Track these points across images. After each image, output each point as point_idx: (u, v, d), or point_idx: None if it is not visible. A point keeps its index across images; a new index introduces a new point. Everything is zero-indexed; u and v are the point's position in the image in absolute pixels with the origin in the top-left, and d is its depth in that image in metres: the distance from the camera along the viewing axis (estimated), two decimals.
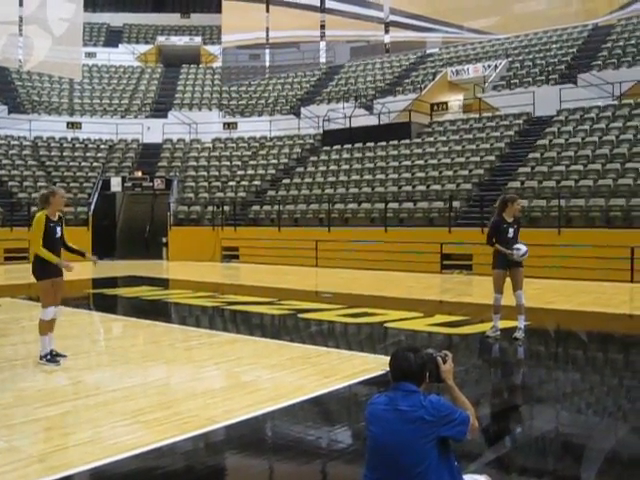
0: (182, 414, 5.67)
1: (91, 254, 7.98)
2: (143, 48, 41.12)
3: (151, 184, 27.76)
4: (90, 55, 38.42)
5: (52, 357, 7.63)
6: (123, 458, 4.69)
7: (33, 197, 25.74)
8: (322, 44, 36.22)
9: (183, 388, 6.66)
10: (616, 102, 23.78)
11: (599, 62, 26.77)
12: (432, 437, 3.31)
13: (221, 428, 5.40)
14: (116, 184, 27.74)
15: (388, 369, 3.61)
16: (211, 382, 7.02)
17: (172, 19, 44.26)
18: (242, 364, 7.77)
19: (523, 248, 9.13)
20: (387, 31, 33.58)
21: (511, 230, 9.37)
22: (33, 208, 24.47)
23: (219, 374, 7.34)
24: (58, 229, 7.64)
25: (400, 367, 3.52)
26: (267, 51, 37.64)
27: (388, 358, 6.49)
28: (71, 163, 29.72)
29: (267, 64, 38.05)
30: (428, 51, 35.54)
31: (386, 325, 10.61)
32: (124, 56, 40.02)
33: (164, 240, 26.87)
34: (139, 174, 28.33)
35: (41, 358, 7.60)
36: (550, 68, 28.23)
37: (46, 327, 7.61)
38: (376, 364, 7.62)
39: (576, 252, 16.82)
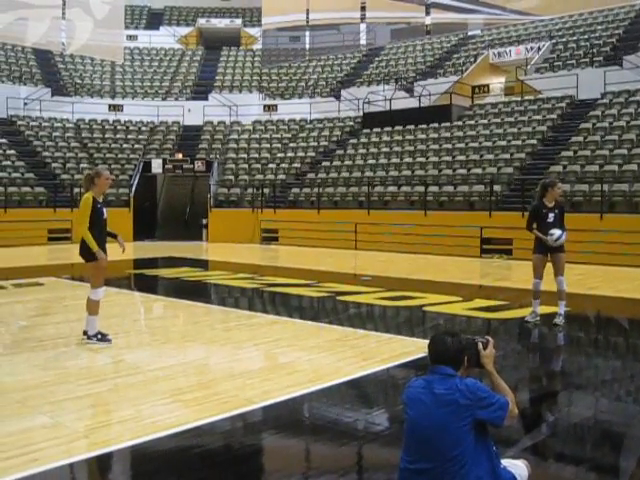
0: (221, 394, 5.75)
1: (121, 237, 8.04)
2: (184, 30, 41.34)
3: (191, 166, 27.97)
4: (131, 38, 38.74)
5: (103, 336, 7.76)
6: (163, 436, 4.78)
7: (76, 178, 26.14)
8: (362, 26, 35.96)
9: (222, 368, 6.75)
10: None
11: None
12: (468, 420, 3.31)
13: (259, 408, 5.46)
14: (157, 166, 28.00)
15: (427, 352, 3.62)
16: (250, 363, 7.09)
17: (213, 1, 44.27)
18: (281, 345, 7.84)
19: (557, 233, 9.00)
20: (428, 12, 33.19)
21: (551, 215, 9.24)
22: (76, 190, 24.90)
23: (258, 355, 7.42)
24: (104, 210, 7.73)
25: (437, 350, 3.54)
26: (307, 33, 37.49)
27: (427, 342, 6.50)
28: (113, 145, 30.07)
29: (307, 46, 37.93)
30: (470, 33, 35.09)
31: (425, 309, 10.60)
32: (165, 38, 40.27)
33: (204, 222, 27.11)
34: (180, 156, 28.55)
35: (90, 337, 7.72)
36: (594, 50, 27.71)
37: (97, 307, 7.74)
38: (415, 347, 7.64)
39: (619, 238, 16.56)
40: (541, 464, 4.50)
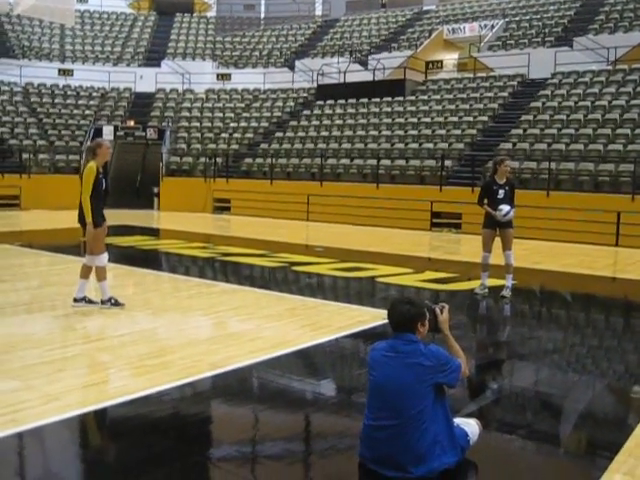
0: (186, 359, 5.97)
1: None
2: None
3: (143, 134, 27.76)
4: (82, 0, 37.92)
5: (116, 301, 7.94)
6: (134, 398, 4.98)
7: (25, 144, 25.76)
8: None
9: (186, 335, 6.94)
10: (610, 67, 23.91)
11: (595, 26, 26.85)
12: (429, 382, 3.63)
13: (224, 373, 5.69)
14: (108, 133, 27.66)
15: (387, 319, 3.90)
16: (212, 330, 7.33)
17: None
18: (241, 313, 8.07)
19: (505, 208, 9.40)
20: None
21: (501, 191, 9.61)
22: (25, 155, 24.57)
23: (220, 322, 7.64)
24: (104, 181, 7.87)
25: (400, 317, 3.81)
26: (262, 2, 37.34)
27: (381, 311, 6.82)
28: (63, 110, 29.61)
29: (262, 15, 37.75)
30: (425, 8, 35.41)
31: (377, 280, 10.93)
32: (116, 2, 39.40)
33: (155, 190, 26.97)
34: (131, 123, 28.31)
35: (103, 303, 7.93)
36: (546, 30, 28.26)
37: (104, 273, 7.92)
38: (369, 317, 7.95)
39: (564, 215, 17.13)
40: (486, 427, 4.83)
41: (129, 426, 4.67)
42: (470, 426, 3.99)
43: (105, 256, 7.94)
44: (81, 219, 7.81)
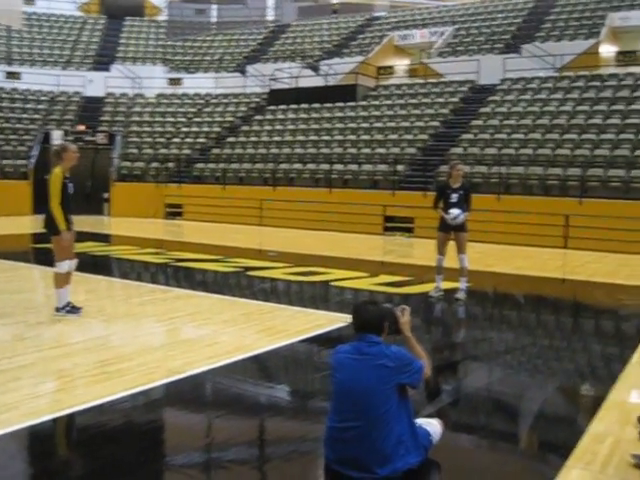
0: (145, 365, 5.92)
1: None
2: None
3: (93, 138, 27.38)
4: (29, 2, 37.23)
5: (72, 308, 7.82)
6: (93, 406, 4.91)
7: None
8: (270, 1, 36.00)
9: (142, 341, 6.88)
10: (557, 74, 24.45)
11: (542, 34, 27.43)
12: (393, 383, 3.67)
13: (183, 379, 5.65)
14: (57, 137, 27.16)
15: (351, 321, 3.93)
16: (169, 335, 7.28)
17: None
18: (197, 319, 8.03)
19: (455, 212, 9.55)
20: None
21: (454, 195, 9.75)
22: None
23: (176, 328, 7.59)
24: (70, 185, 7.72)
25: (363, 319, 3.86)
26: (214, 6, 37.17)
27: (337, 315, 6.86)
28: (10, 114, 29.00)
29: (214, 19, 37.60)
30: (375, 14, 35.69)
31: (332, 284, 10.98)
32: (65, 4, 38.87)
33: (106, 196, 26.64)
34: (81, 128, 27.89)
35: (58, 310, 7.78)
36: (495, 37, 28.76)
37: (63, 280, 7.78)
38: (326, 320, 7.99)
39: (514, 218, 17.44)
40: (446, 427, 4.90)
41: (89, 434, 4.61)
42: (432, 426, 4.05)
43: (67, 264, 7.79)
44: (48, 225, 7.65)
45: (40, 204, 24.43)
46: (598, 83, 22.74)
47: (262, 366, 6.47)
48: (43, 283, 10.75)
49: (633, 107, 20.65)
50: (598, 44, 25.44)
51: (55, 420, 4.71)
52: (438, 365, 6.75)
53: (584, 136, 19.72)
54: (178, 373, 5.72)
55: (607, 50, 25.88)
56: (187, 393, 5.53)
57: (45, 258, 13.54)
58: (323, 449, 3.91)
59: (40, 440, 4.53)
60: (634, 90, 21.79)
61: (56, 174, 7.55)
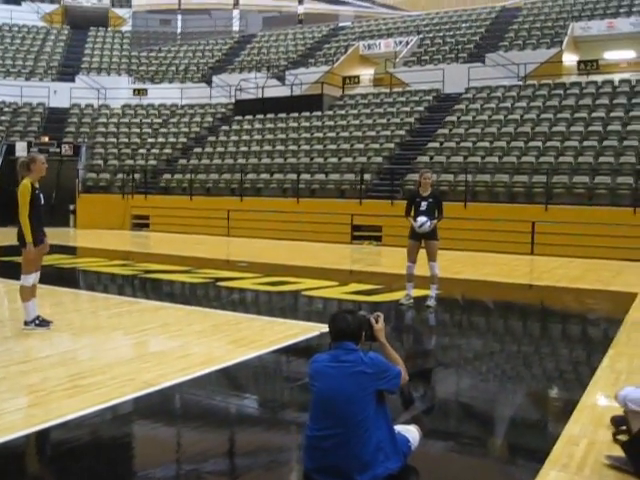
0: (118, 378, 5.85)
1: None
2: (48, 7, 39.68)
3: (58, 150, 27.10)
4: None
5: (41, 321, 7.70)
6: (67, 420, 4.84)
7: None
8: (235, 12, 36.01)
9: (114, 354, 6.80)
10: (521, 82, 24.80)
11: (506, 43, 27.82)
12: (371, 390, 3.69)
13: (158, 390, 5.59)
14: (21, 149, 26.87)
15: (328, 330, 3.94)
16: (141, 348, 7.21)
17: None
18: (168, 330, 7.96)
19: (421, 220, 9.62)
20: (300, 2, 33.69)
21: (424, 203, 9.82)
22: None
23: (147, 340, 7.52)
24: (41, 196, 7.62)
25: (340, 327, 3.87)
26: (179, 17, 37.10)
27: (309, 324, 6.88)
28: None
29: (178, 30, 37.51)
30: (340, 24, 35.98)
31: (304, 293, 10.97)
32: (27, 15, 38.50)
33: (72, 207, 26.37)
34: (46, 139, 27.60)
35: (27, 324, 7.66)
36: (459, 47, 29.10)
37: (29, 293, 7.65)
38: (299, 330, 7.98)
39: (481, 225, 17.61)
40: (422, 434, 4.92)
41: (65, 449, 4.54)
42: (410, 432, 4.06)
43: (32, 277, 7.69)
44: (19, 237, 7.56)
45: (4, 216, 24.17)
46: (561, 91, 23.11)
47: (236, 377, 6.44)
48: (8, 297, 10.59)
49: (595, 115, 21.01)
50: (561, 53, 25.89)
51: (28, 436, 4.63)
52: (411, 372, 6.77)
53: (548, 143, 20.01)
54: (152, 385, 5.67)
55: (569, 59, 26.34)
56: (162, 405, 5.47)
57: (8, 271, 13.37)
58: (302, 459, 3.91)
59: (16, 456, 4.44)
60: (596, 98, 22.19)
61: (25, 185, 7.45)
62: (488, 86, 24.80)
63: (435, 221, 9.70)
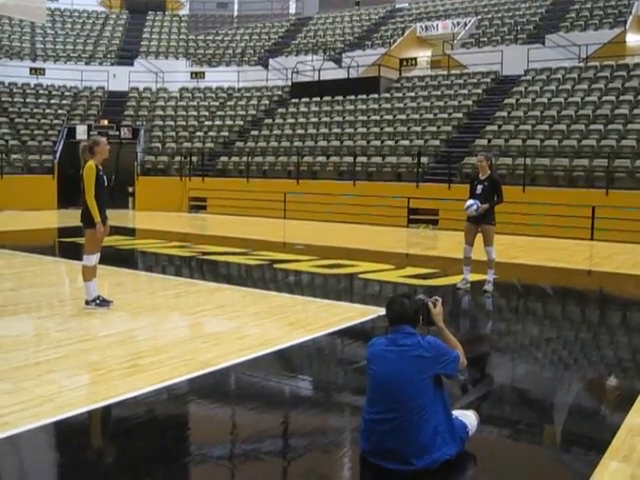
0: (177, 357, 5.95)
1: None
2: None
3: (117, 133, 27.53)
4: None
5: (102, 301, 7.92)
6: (128, 398, 4.96)
7: None
8: None
9: (172, 334, 6.93)
10: (582, 64, 24.20)
11: (567, 23, 27.15)
12: (430, 373, 3.68)
13: (217, 370, 5.68)
14: (82, 132, 27.39)
15: (385, 314, 3.94)
16: (198, 328, 7.32)
17: None
18: (225, 312, 8.06)
19: (467, 203, 9.54)
20: None
21: (479, 187, 9.70)
22: None
23: (204, 321, 7.62)
24: (105, 178, 7.82)
25: (397, 312, 3.86)
26: (236, 0, 37.18)
27: (367, 307, 6.88)
28: (35, 110, 29.26)
29: (235, 13, 37.63)
30: (397, 5, 35.56)
31: (360, 276, 10.97)
32: (87, 0, 39.14)
33: (130, 190, 26.82)
34: (105, 122, 28.05)
35: (88, 303, 7.89)
36: (518, 27, 28.52)
37: (91, 273, 7.86)
38: (355, 313, 7.99)
39: (540, 210, 17.31)
40: (481, 419, 4.89)
41: (125, 427, 4.66)
42: (468, 418, 4.04)
43: (95, 256, 7.88)
44: (84, 218, 7.75)
45: (65, 198, 24.79)
46: (624, 73, 22.47)
47: (292, 359, 6.49)
48: (70, 277, 10.85)
49: None
50: (624, 33, 25.15)
51: (90, 412, 4.75)
52: (468, 358, 6.72)
53: (610, 126, 19.51)
54: (209, 366, 5.75)
55: (633, 39, 25.58)
56: (219, 386, 5.56)
57: (71, 252, 13.71)
58: (359, 441, 3.92)
59: (76, 432, 4.56)
60: None
61: (90, 167, 7.63)
62: (548, 68, 24.25)
63: (486, 205, 9.54)
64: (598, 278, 12.04)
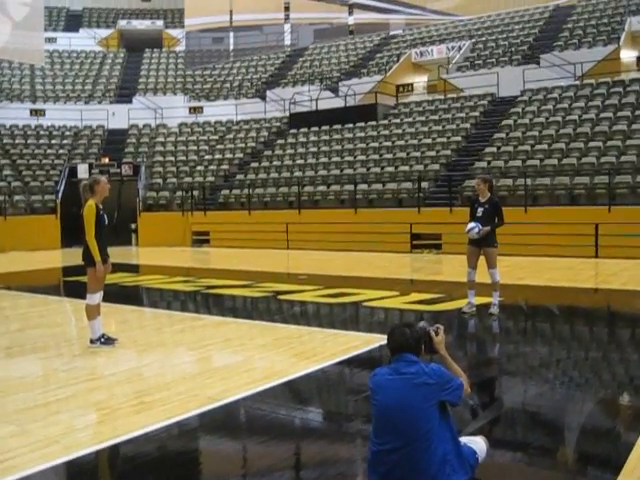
0: (184, 393, 5.91)
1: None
2: (104, 32, 40.80)
3: (118, 170, 27.69)
4: (50, 40, 37.97)
5: (106, 339, 7.92)
6: (136, 436, 4.91)
7: None
8: (286, 26, 36.36)
9: (178, 370, 6.88)
10: (578, 82, 24.32)
11: (560, 43, 27.34)
12: (435, 400, 3.64)
13: (223, 405, 5.63)
14: (83, 171, 27.56)
15: (386, 344, 3.91)
16: (204, 363, 7.27)
17: (132, 2, 43.91)
18: (231, 345, 8.02)
19: (469, 225, 9.52)
20: (351, 13, 33.80)
21: (480, 210, 9.68)
22: (0, 197, 24.41)
23: (210, 355, 7.58)
24: (106, 217, 7.87)
25: (399, 341, 3.83)
26: (231, 34, 37.59)
27: (372, 335, 6.84)
28: (36, 151, 29.50)
29: (231, 47, 38.00)
30: (392, 33, 35.86)
31: (365, 304, 10.92)
32: (85, 41, 39.67)
33: (133, 226, 26.90)
34: (106, 160, 28.26)
35: (92, 342, 7.89)
36: (513, 49, 28.74)
37: (94, 311, 7.88)
38: (361, 342, 7.94)
39: (542, 229, 17.29)
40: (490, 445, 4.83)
41: (132, 465, 4.61)
42: (477, 443, 3.99)
43: (97, 296, 7.88)
44: (85, 257, 7.78)
45: (68, 237, 24.82)
46: (620, 89, 22.58)
47: (300, 390, 6.44)
48: (75, 316, 10.82)
49: None
50: (618, 49, 25.32)
51: (97, 452, 4.71)
52: (476, 382, 6.68)
53: (609, 143, 19.55)
54: (216, 400, 5.71)
55: (628, 55, 25.74)
56: (227, 420, 5.51)
57: (75, 291, 13.68)
58: (367, 474, 3.87)
59: (84, 473, 4.52)
60: None
61: (90, 206, 7.66)
62: (544, 87, 24.37)
63: (487, 228, 9.52)
64: (605, 296, 11.97)
